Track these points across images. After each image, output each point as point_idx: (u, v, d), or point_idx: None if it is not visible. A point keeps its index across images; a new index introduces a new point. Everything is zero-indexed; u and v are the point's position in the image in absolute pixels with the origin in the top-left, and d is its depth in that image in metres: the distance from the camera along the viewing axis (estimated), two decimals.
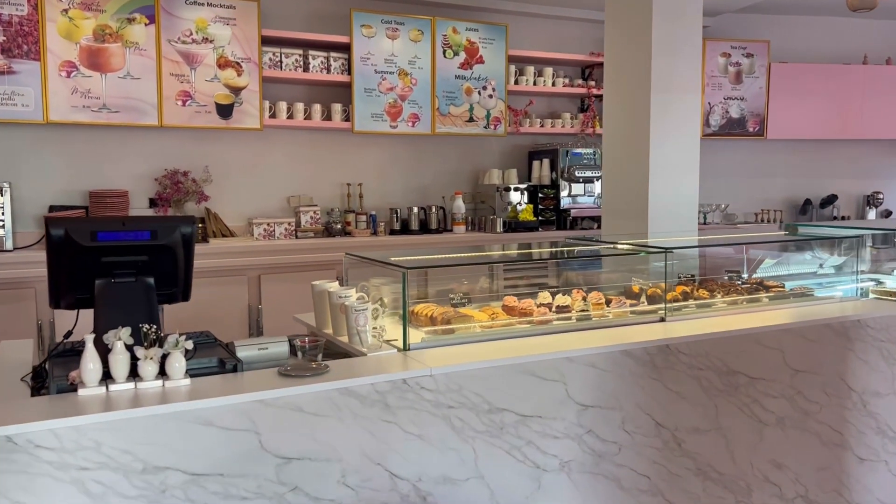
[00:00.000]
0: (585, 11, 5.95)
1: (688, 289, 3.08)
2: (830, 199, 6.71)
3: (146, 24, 4.42)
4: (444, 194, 5.57)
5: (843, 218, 6.82)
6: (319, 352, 2.06)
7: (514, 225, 5.41)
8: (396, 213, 5.22)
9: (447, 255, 2.75)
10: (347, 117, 5.06)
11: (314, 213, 4.96)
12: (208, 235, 4.73)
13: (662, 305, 2.66)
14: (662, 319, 2.62)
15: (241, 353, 2.10)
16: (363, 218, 5.10)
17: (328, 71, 5.00)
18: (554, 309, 2.69)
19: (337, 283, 2.55)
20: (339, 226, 5.02)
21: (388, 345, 2.21)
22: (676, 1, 4.34)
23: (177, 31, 4.51)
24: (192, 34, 4.55)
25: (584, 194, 5.71)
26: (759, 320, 2.60)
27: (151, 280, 1.96)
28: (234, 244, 4.53)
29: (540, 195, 5.63)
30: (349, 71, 5.03)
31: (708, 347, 2.40)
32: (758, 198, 6.71)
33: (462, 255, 2.92)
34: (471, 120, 5.45)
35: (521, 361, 2.12)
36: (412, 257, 2.54)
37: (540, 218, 5.58)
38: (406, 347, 2.20)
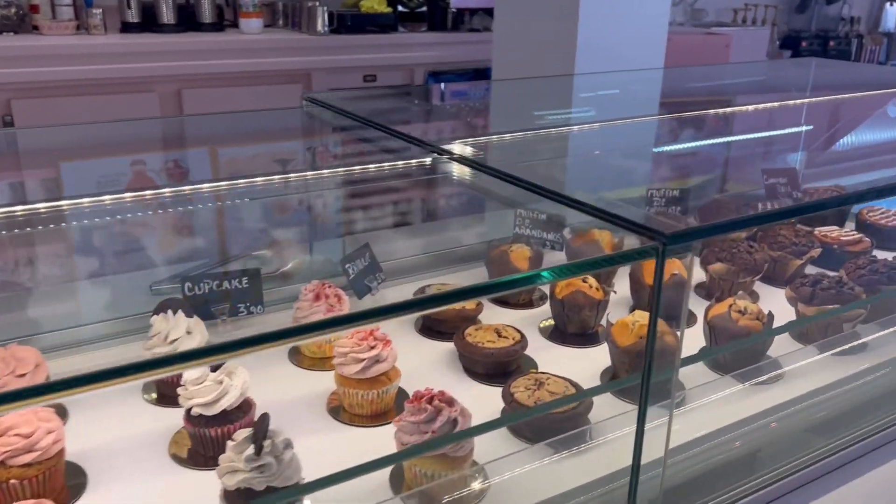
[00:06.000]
0: None
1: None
2: None
3: None
4: None
5: (854, 21, 4.78)
6: None
7: (350, 20, 3.16)
8: None
9: None
10: None
11: None
12: None
13: None
14: None
15: None
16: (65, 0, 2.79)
17: None
18: None
19: None
20: (13, 14, 2.71)
21: None
22: None
23: None
24: None
25: None
26: None
27: None
28: None
29: None
30: None
31: None
32: None
33: None
34: None
35: None
36: None
37: (400, 9, 3.33)
38: None
